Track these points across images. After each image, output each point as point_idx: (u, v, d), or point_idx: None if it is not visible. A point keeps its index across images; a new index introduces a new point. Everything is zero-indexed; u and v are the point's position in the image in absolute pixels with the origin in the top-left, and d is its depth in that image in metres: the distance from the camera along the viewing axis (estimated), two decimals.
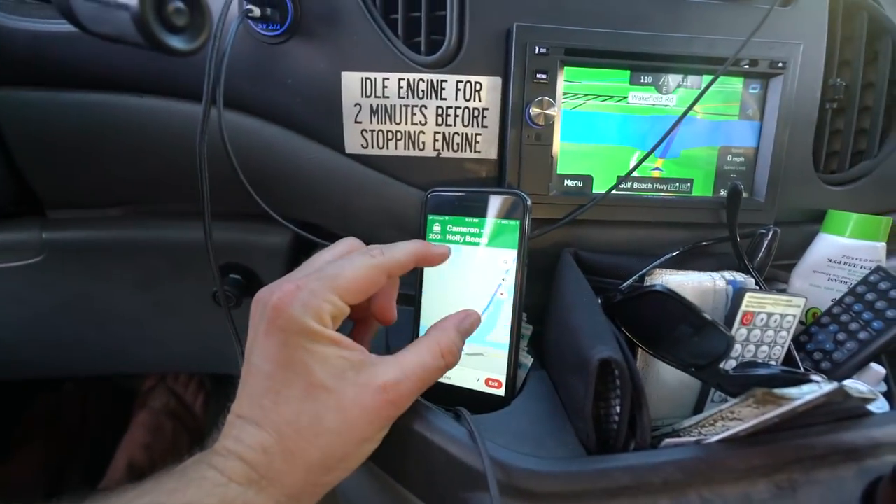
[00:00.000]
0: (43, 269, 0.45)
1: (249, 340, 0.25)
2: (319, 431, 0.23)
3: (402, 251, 0.27)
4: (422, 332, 0.35)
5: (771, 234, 0.38)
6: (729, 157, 0.39)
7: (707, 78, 0.38)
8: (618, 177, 0.38)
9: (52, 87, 0.37)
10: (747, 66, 0.37)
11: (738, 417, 0.28)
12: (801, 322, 0.39)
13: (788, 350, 0.36)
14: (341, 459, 0.24)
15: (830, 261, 0.40)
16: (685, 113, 0.35)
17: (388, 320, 0.30)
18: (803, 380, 0.28)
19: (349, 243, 0.29)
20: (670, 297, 0.29)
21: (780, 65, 0.37)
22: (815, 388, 0.26)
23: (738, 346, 0.35)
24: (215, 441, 0.24)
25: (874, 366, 0.35)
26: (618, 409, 0.28)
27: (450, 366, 0.27)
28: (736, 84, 0.39)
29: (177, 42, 0.23)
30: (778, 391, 0.26)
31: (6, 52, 0.36)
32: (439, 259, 0.30)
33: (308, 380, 0.23)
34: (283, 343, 0.23)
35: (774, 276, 0.44)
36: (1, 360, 0.55)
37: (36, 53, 0.36)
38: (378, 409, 0.24)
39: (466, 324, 0.29)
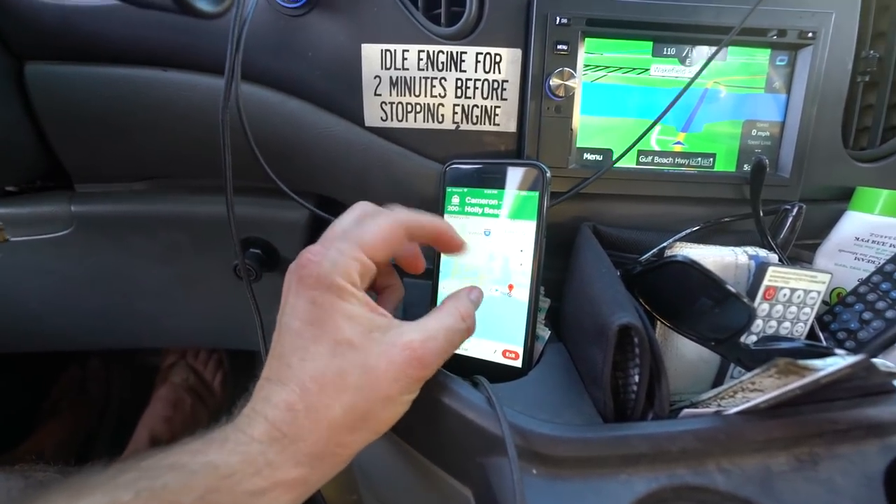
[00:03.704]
0: (71, 241, 0.46)
1: (281, 306, 0.26)
2: (343, 387, 0.23)
3: (426, 217, 0.28)
4: (439, 301, 0.36)
5: (796, 210, 0.37)
6: (753, 132, 0.38)
7: (732, 49, 0.37)
8: (630, 146, 0.38)
9: (80, 62, 0.38)
10: (775, 37, 0.36)
11: (758, 388, 0.28)
12: (824, 302, 0.38)
13: (811, 328, 0.35)
14: (364, 418, 0.24)
15: (858, 239, 0.39)
16: (693, 79, 0.34)
17: (417, 269, 0.32)
18: (827, 354, 0.28)
19: (362, 206, 0.29)
20: (692, 268, 0.29)
21: (810, 35, 0.36)
22: (840, 361, 0.26)
23: (759, 322, 0.34)
24: (237, 413, 0.24)
25: None
26: (636, 378, 0.28)
27: (470, 330, 0.28)
28: (762, 56, 0.38)
29: (203, 4, 0.23)
30: (801, 362, 0.26)
31: (36, 27, 0.36)
32: (456, 247, 0.30)
33: (335, 336, 0.24)
34: (311, 300, 0.24)
35: (797, 256, 0.43)
36: (30, 332, 0.57)
37: (64, 27, 0.37)
38: (404, 367, 0.24)
39: (474, 294, 0.30)
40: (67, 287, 0.52)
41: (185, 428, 0.75)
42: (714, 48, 0.37)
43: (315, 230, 0.47)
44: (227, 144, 0.32)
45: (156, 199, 0.45)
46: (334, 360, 0.23)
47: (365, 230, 0.26)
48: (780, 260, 0.36)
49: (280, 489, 0.22)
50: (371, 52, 0.36)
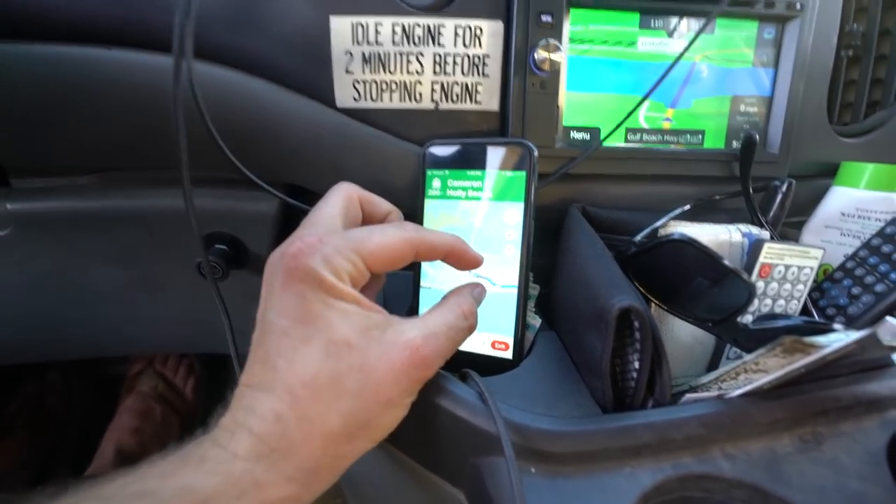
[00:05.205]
0: (11, 244, 0.41)
1: (263, 299, 0.23)
2: (340, 393, 0.21)
3: (437, 236, 0.26)
4: (422, 294, 0.33)
5: (786, 186, 0.36)
6: (741, 108, 0.38)
7: (720, 23, 0.36)
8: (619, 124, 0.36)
9: (10, 39, 0.34)
10: (762, 8, 0.35)
11: (762, 369, 0.27)
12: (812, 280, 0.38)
13: (804, 305, 0.35)
14: (364, 426, 0.22)
15: (844, 214, 0.39)
16: (682, 54, 0.32)
17: None
18: (826, 330, 0.27)
19: (346, 188, 0.27)
20: (690, 246, 0.27)
21: (798, 6, 0.35)
22: (844, 336, 0.25)
23: (755, 301, 0.33)
24: (213, 425, 0.21)
25: (890, 319, 0.34)
26: (636, 364, 0.27)
27: (471, 328, 0.26)
28: (750, 30, 0.37)
29: None
30: (807, 339, 0.25)
31: None
32: (472, 264, 0.27)
33: (329, 336, 0.21)
34: (301, 296, 0.21)
35: (784, 234, 0.43)
36: None
37: None
38: (406, 368, 0.22)
39: (477, 291, 0.28)
40: (13, 296, 0.47)
41: (155, 439, 0.70)
42: (702, 20, 0.35)
43: (285, 223, 0.44)
44: (180, 125, 0.28)
45: (106, 193, 0.41)
46: (328, 361, 0.21)
47: (370, 237, 0.23)
48: (771, 237, 0.35)
49: None
50: (341, 26, 0.33)
